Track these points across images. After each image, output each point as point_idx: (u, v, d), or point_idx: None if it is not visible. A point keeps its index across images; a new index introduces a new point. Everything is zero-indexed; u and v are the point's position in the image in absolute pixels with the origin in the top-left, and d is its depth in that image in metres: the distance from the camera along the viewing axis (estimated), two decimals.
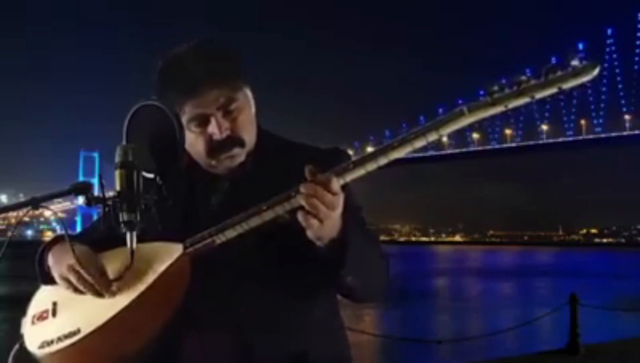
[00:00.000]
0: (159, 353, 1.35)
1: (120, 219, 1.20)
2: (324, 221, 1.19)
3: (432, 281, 33.20)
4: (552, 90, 1.09)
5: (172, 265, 1.31)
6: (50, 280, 1.38)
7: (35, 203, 1.25)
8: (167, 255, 1.32)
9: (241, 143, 1.38)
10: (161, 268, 1.31)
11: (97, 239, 1.38)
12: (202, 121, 1.35)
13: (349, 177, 1.21)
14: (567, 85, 1.08)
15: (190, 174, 1.42)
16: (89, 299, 1.32)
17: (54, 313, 1.38)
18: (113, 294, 1.30)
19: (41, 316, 1.39)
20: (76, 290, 1.32)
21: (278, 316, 1.37)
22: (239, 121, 1.37)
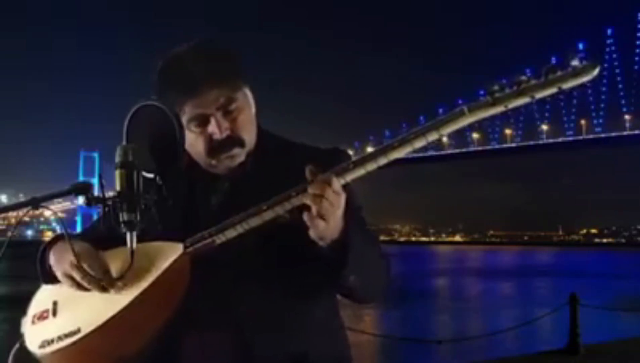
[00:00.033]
0: (159, 353, 1.35)
1: (120, 219, 1.20)
2: (329, 221, 1.20)
3: (432, 281, 33.17)
4: (552, 90, 1.10)
5: (172, 264, 1.31)
6: (51, 279, 1.38)
7: (35, 203, 1.25)
8: (167, 254, 1.32)
9: (241, 143, 1.38)
10: (161, 267, 1.31)
11: (97, 239, 1.37)
12: (202, 121, 1.35)
13: (349, 177, 1.21)
14: (567, 85, 1.09)
15: (190, 174, 1.42)
16: (89, 299, 1.32)
17: (55, 313, 1.38)
18: (119, 289, 1.30)
19: (41, 316, 1.39)
20: (80, 287, 1.32)
21: (278, 316, 1.37)
22: (239, 121, 1.37)
